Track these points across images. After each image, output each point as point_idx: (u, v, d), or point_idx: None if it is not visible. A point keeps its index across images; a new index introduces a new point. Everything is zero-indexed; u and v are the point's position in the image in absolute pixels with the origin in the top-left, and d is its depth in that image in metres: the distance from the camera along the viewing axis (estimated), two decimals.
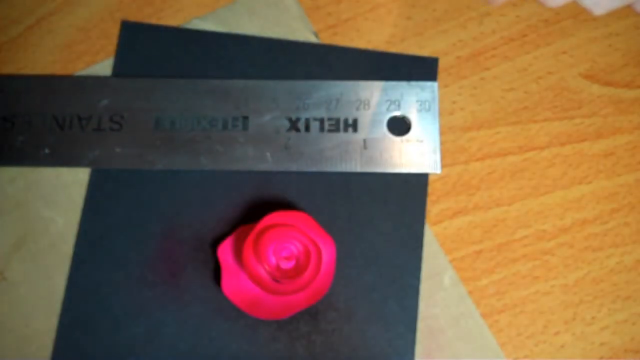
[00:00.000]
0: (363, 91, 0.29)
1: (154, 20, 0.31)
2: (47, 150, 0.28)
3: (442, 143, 0.30)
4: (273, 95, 0.29)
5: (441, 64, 0.31)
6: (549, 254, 0.28)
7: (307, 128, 0.29)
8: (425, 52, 0.31)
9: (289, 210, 0.26)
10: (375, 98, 0.29)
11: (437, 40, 0.31)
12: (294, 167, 0.28)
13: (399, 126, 0.29)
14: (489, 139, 0.30)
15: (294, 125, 0.29)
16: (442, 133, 0.30)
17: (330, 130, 0.29)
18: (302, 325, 0.27)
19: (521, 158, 0.29)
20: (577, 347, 0.27)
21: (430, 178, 0.29)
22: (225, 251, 0.27)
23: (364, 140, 0.29)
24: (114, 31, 0.31)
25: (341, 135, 0.29)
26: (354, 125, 0.29)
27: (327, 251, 0.26)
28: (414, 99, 0.29)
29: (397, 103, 0.29)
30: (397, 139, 0.29)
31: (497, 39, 0.31)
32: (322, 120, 0.29)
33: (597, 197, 0.29)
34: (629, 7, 0.31)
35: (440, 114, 0.30)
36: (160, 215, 0.28)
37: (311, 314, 0.27)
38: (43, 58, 0.30)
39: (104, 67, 0.30)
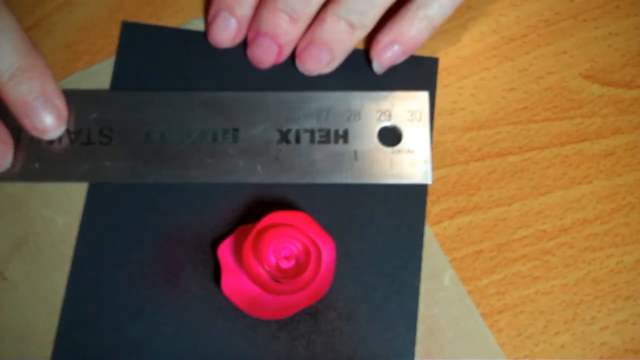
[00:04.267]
0: (354, 102, 0.29)
1: (154, 20, 0.31)
2: (36, 165, 0.28)
3: (442, 143, 0.30)
4: (263, 106, 0.29)
5: (441, 64, 0.31)
6: (549, 254, 0.28)
7: (298, 140, 0.28)
8: (425, 52, 0.31)
9: (288, 210, 0.26)
10: (366, 109, 0.29)
11: (437, 40, 0.31)
12: (284, 179, 0.28)
13: (390, 137, 0.29)
14: (489, 139, 0.30)
15: (284, 137, 0.28)
16: (442, 133, 0.30)
17: (320, 142, 0.28)
18: (302, 325, 0.27)
19: (521, 158, 0.29)
20: (577, 347, 0.27)
21: None
22: (225, 251, 0.27)
23: (355, 152, 0.28)
24: (114, 31, 0.31)
25: (332, 147, 0.28)
26: (345, 136, 0.29)
27: (327, 251, 0.26)
28: (404, 109, 0.29)
29: (387, 113, 0.29)
30: (388, 149, 0.28)
31: (497, 39, 0.31)
32: (312, 132, 0.29)
33: (597, 197, 0.29)
34: (629, 7, 0.31)
35: (440, 114, 0.30)
36: (160, 215, 0.28)
37: (311, 314, 0.27)
38: None
39: (104, 67, 0.30)
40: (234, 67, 0.30)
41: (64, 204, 0.28)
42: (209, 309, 0.27)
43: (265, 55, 0.29)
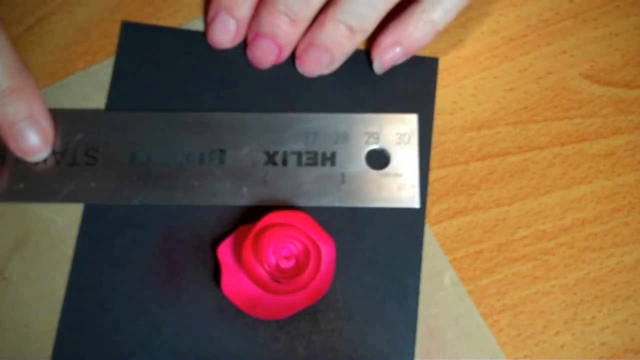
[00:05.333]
0: (342, 124, 0.29)
1: (154, 20, 0.31)
2: (21, 185, 0.28)
3: (442, 143, 0.30)
4: (250, 128, 0.29)
5: (441, 64, 0.31)
6: (549, 254, 0.28)
7: (285, 162, 0.28)
8: (425, 52, 0.31)
9: (288, 210, 0.26)
10: (354, 131, 0.29)
11: (437, 40, 0.31)
12: (271, 202, 0.28)
13: (378, 159, 0.29)
14: (489, 139, 0.30)
15: (271, 158, 0.28)
16: (442, 133, 0.30)
17: (307, 164, 0.28)
18: (302, 325, 0.27)
19: (521, 158, 0.29)
20: (577, 347, 0.27)
21: (431, 178, 0.29)
22: (225, 251, 0.27)
23: (342, 174, 0.28)
24: (114, 31, 0.31)
25: (319, 169, 0.28)
26: (332, 159, 0.28)
27: (327, 251, 0.26)
28: (393, 132, 0.29)
29: (376, 136, 0.29)
30: (376, 172, 0.28)
31: (497, 39, 0.31)
32: (299, 154, 0.28)
33: (597, 197, 0.29)
34: (629, 7, 0.31)
35: (440, 114, 0.30)
36: (160, 215, 0.28)
37: (311, 314, 0.27)
38: (43, 58, 0.30)
39: (104, 67, 0.30)
40: (234, 68, 0.30)
41: (64, 204, 0.28)
42: (209, 309, 0.27)
43: (265, 56, 0.29)
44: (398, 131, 0.29)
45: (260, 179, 0.28)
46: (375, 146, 0.29)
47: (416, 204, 0.28)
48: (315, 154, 0.28)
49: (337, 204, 0.28)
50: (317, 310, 0.27)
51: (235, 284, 0.26)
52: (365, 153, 0.29)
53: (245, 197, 0.28)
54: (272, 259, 0.25)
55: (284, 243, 0.26)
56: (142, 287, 0.27)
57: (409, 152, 0.29)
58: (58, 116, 0.29)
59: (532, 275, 0.28)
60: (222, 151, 0.28)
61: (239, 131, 0.29)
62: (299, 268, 0.25)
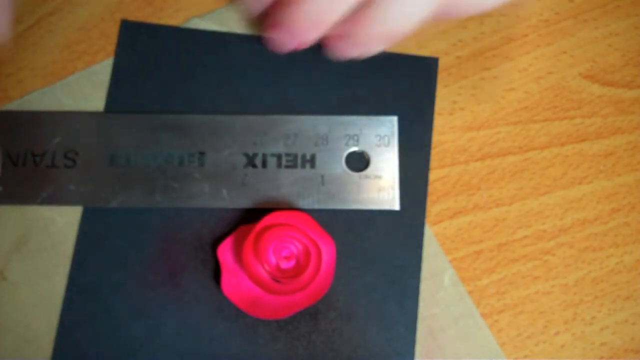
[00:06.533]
0: (322, 126, 0.29)
1: (154, 20, 0.31)
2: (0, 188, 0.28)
3: (442, 143, 0.30)
4: (230, 130, 0.29)
5: (441, 64, 0.31)
6: (549, 254, 0.28)
7: (264, 164, 0.28)
8: (425, 52, 0.31)
9: (288, 210, 0.26)
10: (334, 133, 0.29)
11: (437, 40, 0.31)
12: (250, 204, 0.28)
13: (358, 162, 0.29)
14: (489, 139, 0.30)
15: (250, 161, 0.28)
16: (442, 133, 0.30)
17: (287, 166, 0.28)
18: (302, 325, 0.27)
19: (521, 158, 0.29)
20: (577, 347, 0.27)
21: (431, 178, 0.29)
22: (225, 251, 0.27)
23: (322, 176, 0.28)
24: (114, 31, 0.31)
25: (299, 172, 0.28)
26: (312, 161, 0.28)
27: (327, 251, 0.26)
28: (373, 134, 0.29)
29: (355, 138, 0.29)
30: (355, 174, 0.28)
31: (497, 39, 0.31)
32: (279, 156, 0.28)
33: (597, 197, 0.29)
34: (629, 7, 0.31)
35: (441, 114, 0.30)
36: (160, 215, 0.28)
37: (311, 314, 0.27)
38: (43, 58, 0.30)
39: (103, 67, 0.30)
40: (234, 67, 0.30)
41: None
42: (209, 309, 0.27)
43: (283, 45, 0.28)
44: (378, 133, 0.29)
45: (239, 182, 0.28)
46: (355, 148, 0.29)
47: (396, 206, 0.28)
48: (295, 156, 0.28)
49: (316, 206, 0.28)
50: (317, 310, 0.27)
51: (235, 284, 0.26)
52: (345, 155, 0.29)
53: (224, 199, 0.28)
54: (273, 259, 0.25)
55: (284, 243, 0.26)
56: (142, 287, 0.27)
57: (389, 154, 0.29)
58: (37, 118, 0.29)
59: (532, 275, 0.28)
60: (202, 154, 0.28)
61: (219, 133, 0.29)
62: (299, 268, 0.25)
